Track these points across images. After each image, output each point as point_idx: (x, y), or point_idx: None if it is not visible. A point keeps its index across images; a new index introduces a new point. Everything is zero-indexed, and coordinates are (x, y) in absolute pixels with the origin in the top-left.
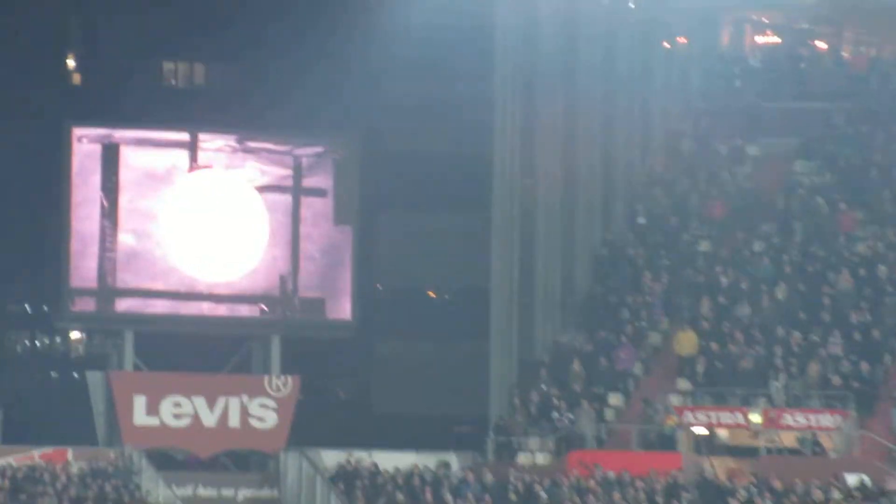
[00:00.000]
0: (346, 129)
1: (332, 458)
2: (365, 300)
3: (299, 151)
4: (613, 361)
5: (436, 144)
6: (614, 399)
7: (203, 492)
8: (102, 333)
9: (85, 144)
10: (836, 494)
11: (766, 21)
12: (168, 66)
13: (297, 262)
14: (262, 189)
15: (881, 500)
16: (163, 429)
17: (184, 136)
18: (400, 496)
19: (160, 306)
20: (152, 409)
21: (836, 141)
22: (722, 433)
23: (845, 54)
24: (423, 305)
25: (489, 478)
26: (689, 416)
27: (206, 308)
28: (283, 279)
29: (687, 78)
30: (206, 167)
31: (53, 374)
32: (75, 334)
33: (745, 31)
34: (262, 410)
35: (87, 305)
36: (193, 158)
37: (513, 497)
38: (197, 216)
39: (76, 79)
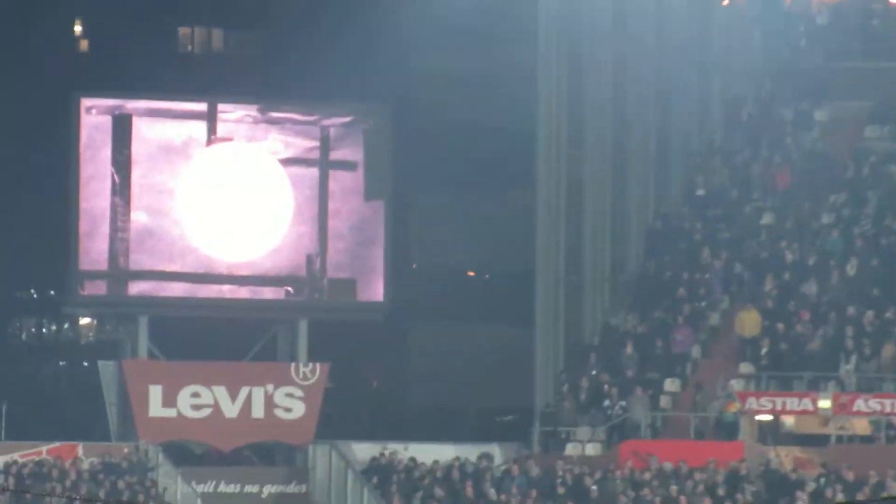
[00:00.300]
0: (376, 98)
1: (363, 450)
2: (399, 281)
3: (326, 122)
4: (669, 344)
5: (475, 115)
6: (670, 385)
7: (225, 488)
8: (114, 319)
9: (94, 116)
10: None
11: None
12: (184, 31)
13: (324, 240)
14: (287, 162)
15: None
16: (181, 421)
17: (201, 107)
18: (438, 491)
19: (177, 289)
20: (169, 401)
21: None
22: (788, 420)
23: None
24: (462, 286)
25: (535, 470)
26: (752, 403)
27: (226, 290)
28: (309, 258)
29: (748, 38)
30: (225, 139)
31: (62, 363)
32: (85, 320)
33: None
34: (288, 400)
35: (97, 289)
36: (212, 130)
37: (561, 491)
38: (216, 192)
39: (84, 45)
